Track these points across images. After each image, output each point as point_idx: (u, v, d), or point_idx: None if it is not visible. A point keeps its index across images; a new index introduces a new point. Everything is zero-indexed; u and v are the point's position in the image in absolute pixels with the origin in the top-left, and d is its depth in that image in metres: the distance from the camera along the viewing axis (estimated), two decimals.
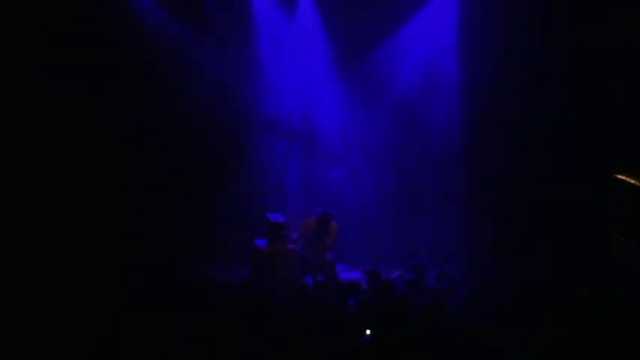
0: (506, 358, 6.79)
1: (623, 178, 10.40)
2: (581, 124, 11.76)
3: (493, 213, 12.04)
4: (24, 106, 11.10)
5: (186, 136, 11.97)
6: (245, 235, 11.44)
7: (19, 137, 11.08)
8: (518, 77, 11.82)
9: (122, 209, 11.50)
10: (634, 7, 11.27)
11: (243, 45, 12.00)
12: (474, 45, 11.94)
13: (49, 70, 11.18)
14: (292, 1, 12.21)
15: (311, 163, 12.47)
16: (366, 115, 12.48)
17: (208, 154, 12.07)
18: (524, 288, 8.81)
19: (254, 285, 8.98)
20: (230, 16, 11.85)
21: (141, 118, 11.62)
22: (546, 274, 9.83)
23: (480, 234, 11.94)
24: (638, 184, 10.26)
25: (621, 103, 11.51)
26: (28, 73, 11.10)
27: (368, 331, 7.20)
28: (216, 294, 8.28)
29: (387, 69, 12.34)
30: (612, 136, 11.53)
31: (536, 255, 11.25)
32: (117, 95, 11.50)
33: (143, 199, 11.61)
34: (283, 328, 7.18)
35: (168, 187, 11.79)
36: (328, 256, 10.72)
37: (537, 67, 11.74)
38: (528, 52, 11.73)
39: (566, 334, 7.05)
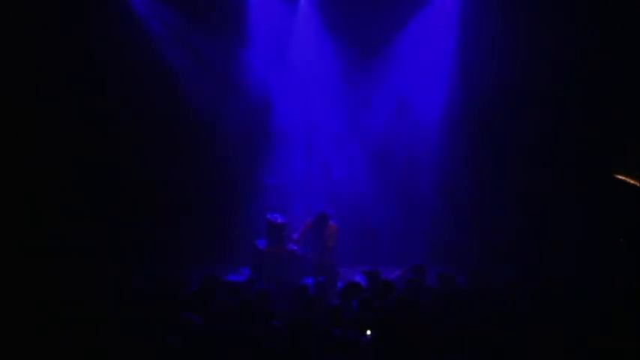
0: (507, 358, 6.80)
1: (623, 178, 10.40)
2: (580, 124, 11.76)
3: (494, 214, 12.04)
4: (19, 103, 11.11)
5: (186, 136, 11.98)
6: (245, 235, 11.45)
7: (14, 133, 11.08)
8: (517, 79, 11.82)
9: (121, 209, 11.51)
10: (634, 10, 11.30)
11: (244, 46, 12.01)
12: (472, 47, 11.95)
13: (42, 66, 11.18)
14: (293, 3, 12.23)
15: (311, 163, 12.47)
16: (367, 115, 12.49)
17: (208, 154, 12.08)
18: (524, 288, 8.81)
19: (254, 285, 8.97)
20: (230, 16, 11.86)
21: (140, 118, 11.63)
22: (546, 275, 9.83)
23: (480, 235, 11.94)
24: (638, 184, 10.26)
25: (621, 105, 11.52)
26: (23, 70, 11.11)
27: (368, 332, 7.21)
28: (216, 294, 8.28)
29: (389, 69, 12.35)
30: (612, 137, 11.53)
31: (536, 257, 11.26)
32: (115, 94, 11.51)
33: (142, 199, 11.61)
34: (283, 328, 7.18)
35: (168, 187, 11.79)
36: (329, 257, 10.72)
37: (536, 68, 11.74)
38: (526, 54, 11.74)
39: (565, 333, 7.07)
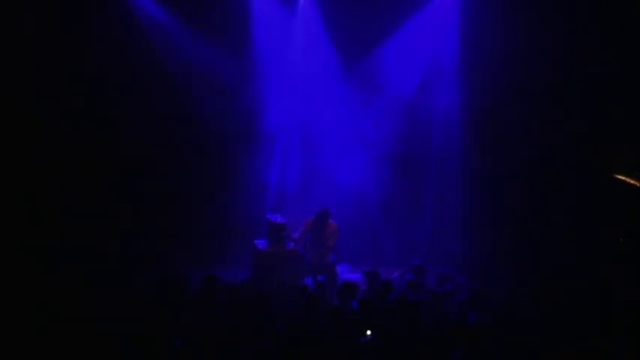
0: (506, 357, 6.80)
1: (623, 178, 10.40)
2: (580, 124, 11.76)
3: (493, 214, 12.04)
4: (19, 103, 11.10)
5: (187, 136, 11.99)
6: (245, 235, 11.45)
7: (14, 133, 11.07)
8: (519, 78, 11.81)
9: (120, 209, 11.51)
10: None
11: (243, 45, 12.01)
12: (474, 45, 11.95)
13: (42, 66, 11.18)
14: (292, 2, 12.22)
15: (312, 163, 12.48)
16: (367, 114, 12.49)
17: (209, 154, 12.08)
18: (523, 289, 8.81)
19: (254, 285, 8.97)
20: (230, 17, 11.86)
21: (140, 118, 11.63)
22: (545, 276, 9.84)
23: (480, 235, 11.93)
24: (638, 184, 10.26)
25: (621, 105, 11.52)
26: (23, 70, 11.11)
27: (368, 332, 7.21)
28: (216, 294, 8.28)
29: (388, 69, 12.35)
30: (612, 137, 11.53)
31: (535, 256, 11.26)
32: (115, 94, 11.51)
33: (142, 199, 11.61)
34: (283, 328, 7.18)
35: (168, 187, 11.79)
36: (329, 257, 10.72)
37: (535, 68, 11.74)
38: (529, 52, 11.73)
39: (565, 333, 7.07)
